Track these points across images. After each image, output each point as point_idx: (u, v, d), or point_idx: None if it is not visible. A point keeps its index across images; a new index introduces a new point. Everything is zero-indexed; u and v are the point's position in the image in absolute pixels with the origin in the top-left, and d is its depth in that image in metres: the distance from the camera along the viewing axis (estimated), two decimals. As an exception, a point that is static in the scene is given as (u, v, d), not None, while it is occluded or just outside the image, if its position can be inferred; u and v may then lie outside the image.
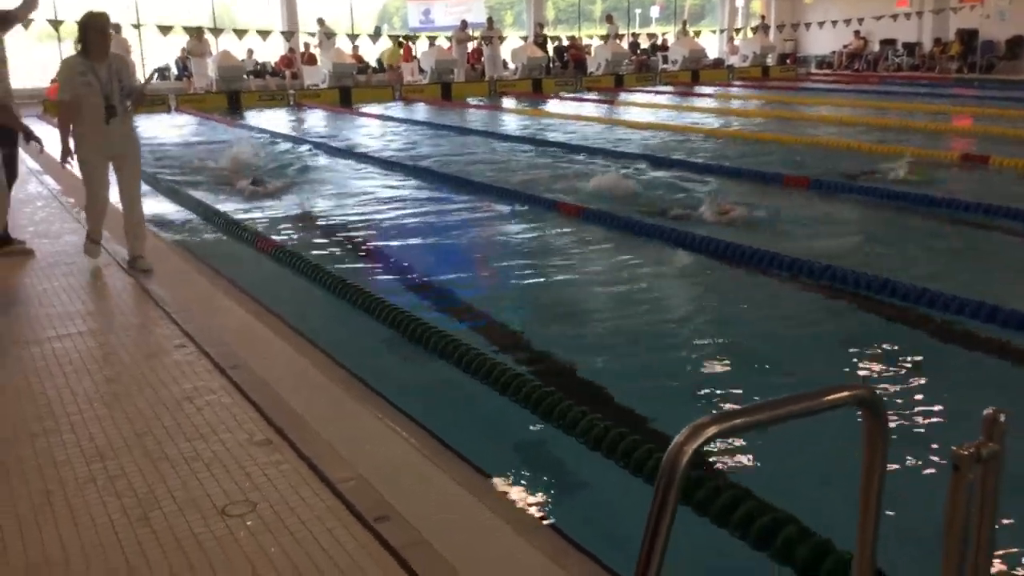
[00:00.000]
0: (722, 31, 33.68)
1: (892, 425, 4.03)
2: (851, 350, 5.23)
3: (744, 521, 3.05)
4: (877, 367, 4.96)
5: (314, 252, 7.79)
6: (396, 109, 22.65)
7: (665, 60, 30.24)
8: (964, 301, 5.66)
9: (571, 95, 25.49)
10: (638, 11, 37.81)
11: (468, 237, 8.75)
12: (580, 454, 3.91)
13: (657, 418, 4.23)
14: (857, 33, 30.54)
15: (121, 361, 4.85)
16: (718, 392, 4.70)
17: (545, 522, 3.36)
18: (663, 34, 33.06)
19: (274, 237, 8.31)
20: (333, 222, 9.39)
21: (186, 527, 3.09)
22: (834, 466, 3.37)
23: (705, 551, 3.12)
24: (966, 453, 1.45)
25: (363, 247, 8.36)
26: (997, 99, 19.50)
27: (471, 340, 5.27)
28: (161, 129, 18.60)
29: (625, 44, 30.59)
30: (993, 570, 1.56)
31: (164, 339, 5.21)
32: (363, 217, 9.62)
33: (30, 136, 6.78)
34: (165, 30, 23.95)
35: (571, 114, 19.87)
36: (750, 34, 32.10)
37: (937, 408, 4.40)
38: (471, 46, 28.07)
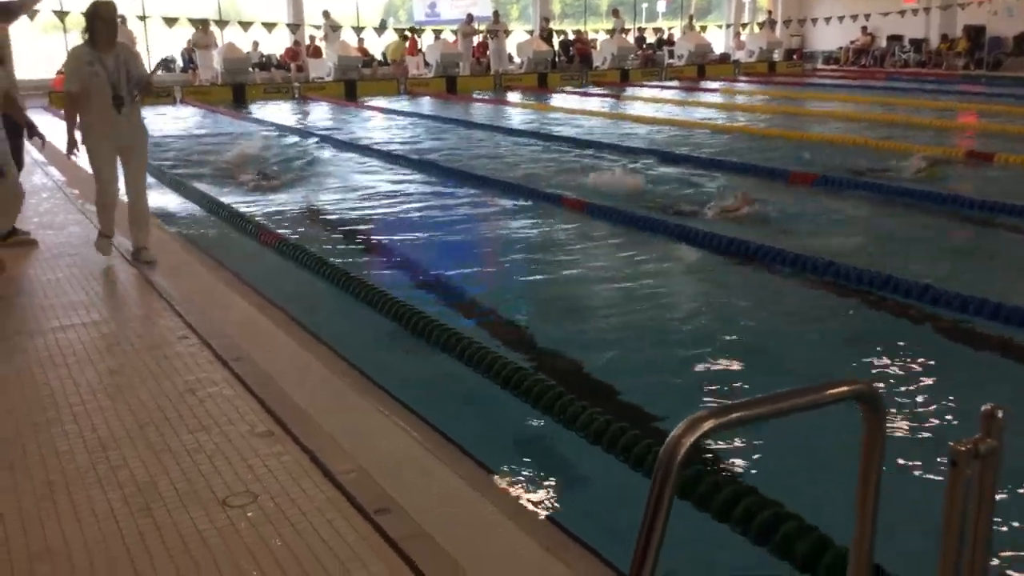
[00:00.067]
0: (728, 26, 33.60)
1: (895, 421, 4.04)
2: (856, 347, 5.24)
3: (744, 516, 3.05)
4: (881, 363, 4.96)
5: (317, 245, 7.79)
6: (401, 102, 22.64)
7: (671, 55, 30.19)
8: (967, 298, 5.66)
9: (576, 89, 25.45)
10: (644, 5, 37.72)
11: (472, 231, 8.75)
12: (581, 448, 3.91)
13: (660, 413, 4.24)
14: (864, 29, 30.47)
15: (124, 352, 4.86)
16: (721, 387, 4.69)
17: (545, 515, 3.37)
18: (669, 29, 33.02)
19: (277, 230, 8.31)
20: (337, 215, 9.40)
21: (187, 518, 3.10)
22: (835, 461, 3.37)
23: (705, 546, 3.13)
24: (964, 449, 1.44)
25: (366, 240, 8.36)
26: (1004, 96, 19.44)
27: (473, 334, 5.28)
28: (166, 121, 18.60)
29: (631, 39, 30.53)
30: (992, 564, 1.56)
31: (167, 331, 5.22)
32: (367, 210, 9.63)
33: (33, 131, 6.75)
34: (170, 22, 23.95)
35: (576, 108, 19.85)
36: (757, 29, 32.05)
37: (939, 405, 4.39)
38: (477, 40, 28.03)
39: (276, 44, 27.42)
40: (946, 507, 1.48)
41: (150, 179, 7.11)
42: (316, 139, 15.58)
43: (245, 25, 25.24)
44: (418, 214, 9.39)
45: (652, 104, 20.92)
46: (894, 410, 4.27)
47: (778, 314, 6.04)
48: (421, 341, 5.28)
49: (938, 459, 3.64)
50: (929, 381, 4.71)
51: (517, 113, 20.35)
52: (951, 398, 4.44)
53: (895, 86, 23.18)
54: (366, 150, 14.06)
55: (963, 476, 1.46)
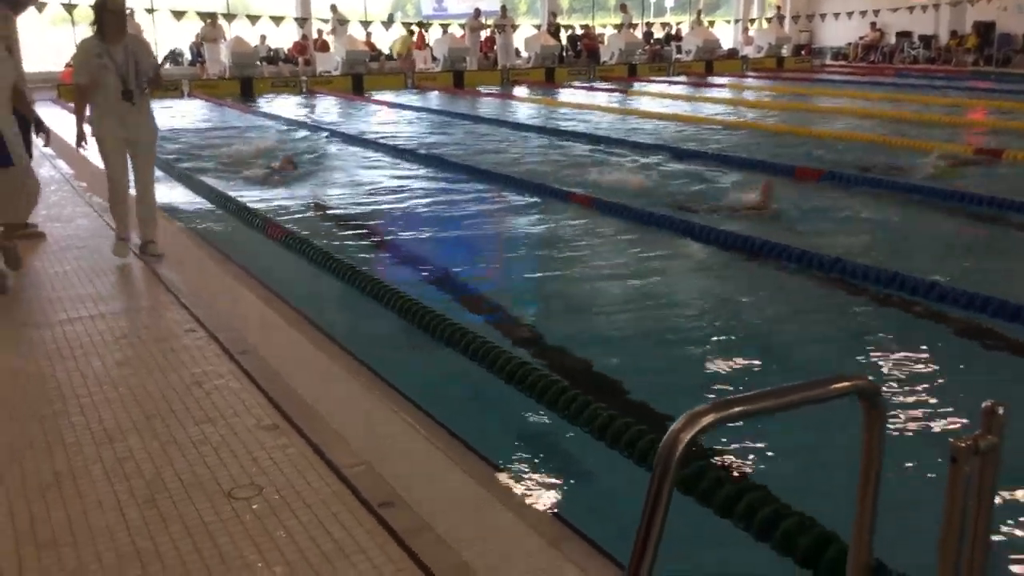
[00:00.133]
0: (737, 21, 33.51)
1: (898, 418, 4.04)
2: (863, 343, 5.23)
3: (747, 512, 3.06)
4: (887, 360, 4.96)
5: (324, 239, 7.80)
6: (408, 97, 22.64)
7: (679, 50, 30.13)
8: (973, 295, 5.65)
9: (584, 84, 25.42)
10: (652, 0, 37.65)
11: (479, 226, 8.75)
12: (586, 444, 3.92)
13: (666, 408, 4.24)
14: (873, 25, 30.37)
15: (131, 345, 4.88)
16: (727, 383, 4.70)
17: (549, 510, 3.38)
18: (677, 24, 32.95)
19: (285, 224, 8.32)
20: (344, 209, 9.41)
21: (193, 510, 3.11)
22: (838, 456, 3.37)
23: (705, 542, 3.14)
24: (964, 445, 1.45)
25: (373, 235, 8.37)
26: (1014, 93, 19.37)
27: (479, 330, 5.28)
28: (174, 114, 18.62)
29: (639, 33, 30.48)
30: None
31: (174, 324, 5.24)
32: (374, 205, 9.64)
33: (40, 127, 6.73)
34: (178, 15, 23.97)
35: (584, 104, 19.83)
36: (765, 24, 31.94)
37: (944, 402, 4.39)
38: (484, 34, 28.00)
39: (284, 38, 27.45)
40: (946, 503, 1.49)
41: (158, 172, 7.10)
42: (323, 133, 15.60)
43: (253, 19, 25.24)
44: (425, 209, 9.40)
45: (660, 99, 20.88)
46: (898, 407, 4.27)
47: (786, 310, 6.05)
48: (427, 336, 5.29)
49: (940, 456, 3.65)
50: (935, 378, 4.70)
51: (524, 108, 20.33)
52: (958, 395, 4.44)
53: (904, 82, 23.09)
54: (373, 144, 14.07)
55: (963, 472, 1.46)
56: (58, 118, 14.83)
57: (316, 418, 3.85)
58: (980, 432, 1.46)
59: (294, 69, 26.40)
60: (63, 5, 22.01)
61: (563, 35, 29.58)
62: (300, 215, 9.07)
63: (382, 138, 14.71)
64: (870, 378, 1.55)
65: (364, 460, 3.45)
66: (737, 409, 1.40)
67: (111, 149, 6.47)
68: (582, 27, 30.89)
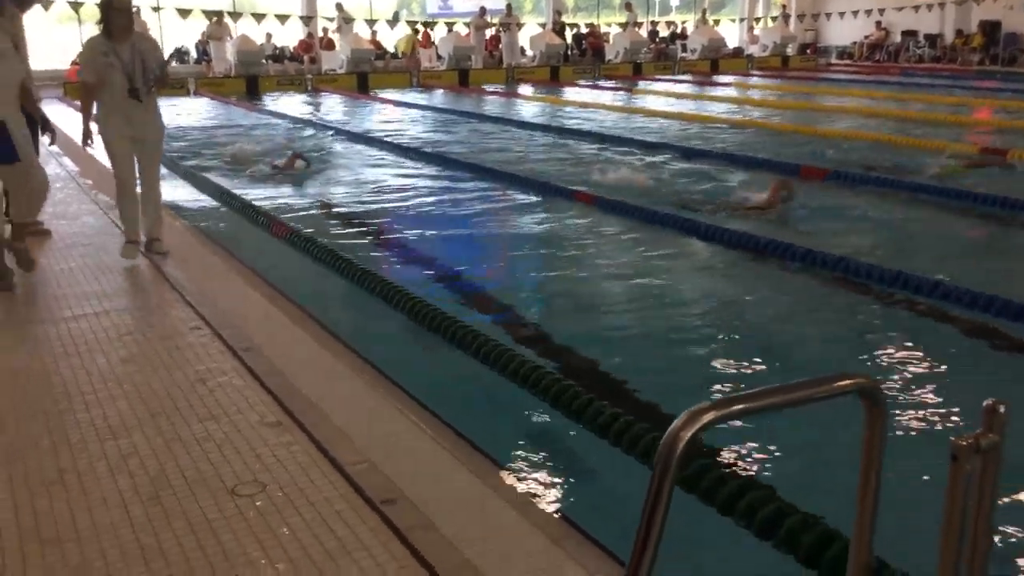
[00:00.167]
0: (742, 20, 33.47)
1: (902, 416, 4.04)
2: (867, 342, 5.24)
3: (748, 510, 3.06)
4: (892, 359, 4.96)
5: (329, 237, 7.81)
6: (413, 95, 22.65)
7: (684, 49, 30.12)
8: (978, 294, 5.64)
9: (589, 83, 25.41)
10: (658, -1, 37.66)
11: (483, 225, 8.76)
12: (589, 442, 3.92)
13: (670, 406, 4.24)
14: (878, 24, 30.32)
15: (136, 342, 4.90)
16: (732, 382, 4.70)
17: (552, 508, 3.38)
18: (682, 22, 32.93)
19: (289, 222, 8.33)
20: (349, 207, 9.42)
21: (196, 507, 3.12)
22: (840, 455, 3.38)
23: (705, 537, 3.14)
24: (965, 444, 1.45)
25: (378, 233, 8.38)
26: (1020, 92, 19.32)
27: (483, 328, 5.28)
28: (180, 112, 18.64)
29: (644, 32, 30.46)
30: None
31: (179, 321, 5.25)
32: (378, 203, 9.65)
33: (46, 126, 6.71)
34: (184, 13, 24.02)
35: (588, 102, 19.82)
36: (771, 23, 31.90)
37: (948, 401, 4.39)
38: (489, 33, 28.02)
39: (289, 36, 27.49)
40: (947, 501, 1.49)
41: (163, 170, 7.10)
42: (328, 131, 15.62)
43: (258, 17, 25.30)
44: (429, 207, 9.40)
45: (665, 98, 20.87)
46: (901, 406, 4.27)
47: (792, 310, 6.05)
48: (431, 334, 5.30)
49: (942, 454, 3.65)
50: (938, 377, 4.71)
51: (529, 106, 20.33)
52: (961, 394, 4.43)
53: (909, 81, 23.05)
54: (378, 143, 14.09)
55: (964, 471, 1.46)
56: (64, 116, 14.87)
57: (320, 415, 3.86)
58: (981, 431, 1.46)
59: (299, 67, 26.45)
60: (69, 3, 22.06)
61: (568, 34, 29.59)
62: (305, 213, 9.08)
63: (387, 136, 14.72)
64: (871, 377, 1.54)
65: (367, 458, 3.45)
66: (737, 407, 1.40)
67: (118, 148, 6.43)
68: (587, 25, 30.90)
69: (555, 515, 3.26)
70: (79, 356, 4.65)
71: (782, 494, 3.20)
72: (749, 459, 3.79)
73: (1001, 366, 5.01)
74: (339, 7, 26.12)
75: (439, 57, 27.18)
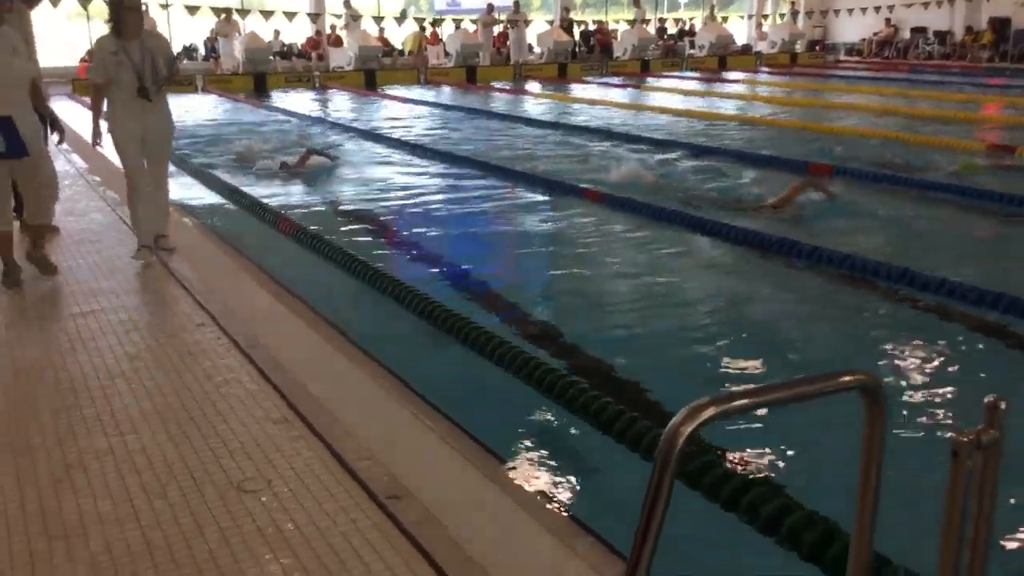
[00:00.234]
0: (750, 17, 33.40)
1: (904, 413, 4.03)
2: (876, 340, 5.24)
3: (751, 506, 3.06)
4: (897, 356, 4.95)
5: (336, 235, 7.82)
6: (421, 92, 22.65)
7: (692, 45, 30.06)
8: (984, 292, 5.63)
9: (596, 80, 25.39)
10: (666, -4, 37.58)
11: (491, 222, 8.76)
12: (594, 439, 3.93)
13: (675, 405, 4.23)
14: (888, 20, 30.22)
15: (143, 339, 4.92)
16: (737, 380, 4.70)
17: (557, 504, 3.39)
18: (691, 19, 32.86)
19: (296, 219, 8.34)
20: (355, 205, 9.43)
21: (202, 502, 3.14)
22: (842, 451, 3.38)
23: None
24: (965, 440, 1.45)
25: (385, 230, 8.39)
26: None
27: (489, 324, 5.29)
28: (188, 109, 18.68)
29: (652, 29, 30.42)
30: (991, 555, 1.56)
31: (186, 318, 5.27)
32: (385, 200, 9.66)
33: (55, 125, 6.68)
34: (192, 10, 24.07)
35: (596, 99, 19.80)
36: (779, 20, 31.83)
37: (952, 398, 4.38)
38: (497, 30, 28.00)
39: (297, 33, 27.52)
40: (947, 498, 1.49)
41: (170, 167, 7.10)
42: (336, 128, 15.63)
43: (267, 14, 25.34)
44: (436, 204, 9.40)
45: (673, 95, 20.84)
46: (908, 402, 4.27)
47: (799, 307, 6.05)
48: (437, 331, 5.30)
49: (941, 448, 3.64)
50: (944, 374, 4.70)
51: (537, 103, 20.32)
52: (969, 392, 4.42)
53: (918, 79, 22.98)
54: (385, 140, 14.09)
55: (964, 467, 1.46)
56: (73, 113, 14.92)
57: (325, 412, 3.87)
58: (982, 427, 1.46)
59: (307, 64, 26.47)
60: (78, 0, 22.10)
61: (576, 30, 29.56)
62: (312, 210, 9.10)
63: (394, 133, 14.73)
64: (872, 373, 1.54)
65: (373, 454, 3.46)
66: (738, 403, 1.40)
67: (127, 147, 6.38)
68: (595, 22, 30.86)
69: (561, 512, 3.27)
70: (87, 352, 4.67)
71: (783, 491, 3.20)
72: (753, 456, 3.79)
73: (1014, 364, 4.99)
74: (347, 4, 26.14)
75: (447, 54, 27.17)
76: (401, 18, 27.90)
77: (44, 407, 4.00)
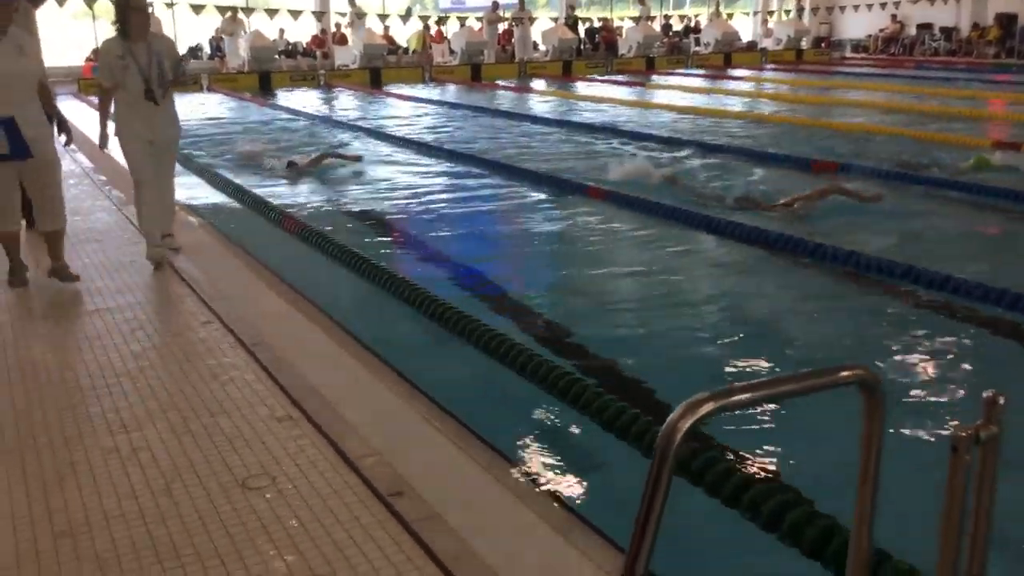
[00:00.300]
0: (756, 13, 33.34)
1: (905, 409, 4.03)
2: (874, 337, 5.22)
3: (753, 501, 3.07)
4: (900, 352, 4.95)
5: (340, 233, 7.82)
6: (426, 90, 22.66)
7: (697, 42, 30.03)
8: (989, 288, 5.62)
9: (602, 77, 25.37)
10: (671, -7, 37.53)
11: (495, 219, 8.77)
12: (596, 435, 3.93)
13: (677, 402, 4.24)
14: (894, 17, 30.16)
15: (148, 337, 4.93)
16: (738, 376, 4.70)
17: (559, 500, 3.39)
18: (696, 16, 32.82)
19: (301, 218, 8.35)
20: (360, 203, 9.43)
21: (207, 499, 3.15)
22: (842, 446, 3.38)
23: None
24: (964, 435, 1.45)
25: (390, 229, 8.40)
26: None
27: (492, 321, 5.30)
28: (194, 108, 18.71)
29: (657, 26, 30.39)
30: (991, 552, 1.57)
31: (190, 316, 5.29)
32: (390, 198, 9.66)
33: (62, 127, 6.65)
34: (198, 9, 24.11)
35: (601, 96, 19.79)
36: (785, 17, 31.77)
37: (955, 395, 4.38)
38: (502, 27, 28.00)
39: (302, 32, 27.55)
40: (947, 493, 1.49)
41: (176, 166, 7.10)
42: (341, 127, 15.64)
43: (271, 13, 25.36)
44: (441, 202, 9.41)
45: (678, 92, 20.82)
46: (909, 398, 4.27)
47: (804, 305, 6.04)
48: (439, 328, 5.31)
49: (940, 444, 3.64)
50: (947, 370, 4.70)
51: (541, 101, 20.31)
52: (973, 387, 4.42)
53: (925, 75, 22.92)
54: (390, 138, 14.10)
55: (963, 462, 1.47)
56: (78, 113, 14.95)
57: (329, 409, 3.88)
58: (981, 422, 1.47)
59: (312, 63, 26.49)
60: None
61: (581, 28, 29.54)
62: (317, 209, 9.10)
63: (399, 132, 14.74)
64: (870, 369, 1.55)
65: (376, 451, 3.48)
66: (736, 398, 1.40)
67: (134, 149, 6.31)
68: (600, 20, 30.84)
69: (561, 506, 3.27)
70: (92, 351, 4.69)
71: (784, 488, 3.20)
72: (754, 452, 3.79)
73: (1015, 360, 4.98)
74: (352, 2, 26.16)
75: (451, 52, 27.19)
76: (406, 16, 27.90)
77: (50, 405, 4.02)
